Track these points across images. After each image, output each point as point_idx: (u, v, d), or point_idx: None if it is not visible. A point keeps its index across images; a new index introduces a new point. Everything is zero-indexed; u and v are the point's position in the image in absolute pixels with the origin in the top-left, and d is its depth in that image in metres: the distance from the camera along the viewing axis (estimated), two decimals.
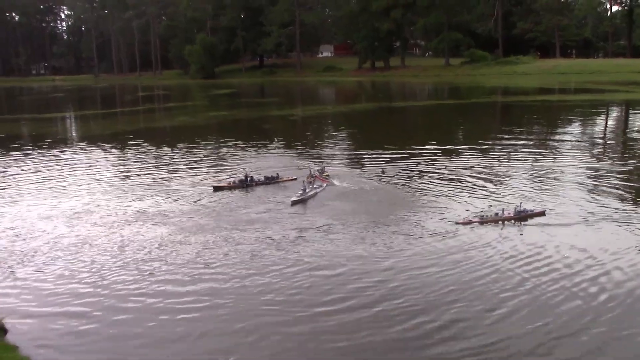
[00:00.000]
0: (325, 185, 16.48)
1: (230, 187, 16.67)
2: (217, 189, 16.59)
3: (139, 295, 9.36)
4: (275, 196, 15.74)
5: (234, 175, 17.86)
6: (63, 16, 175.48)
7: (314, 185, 16.00)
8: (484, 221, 13.18)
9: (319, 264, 10.49)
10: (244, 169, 17.41)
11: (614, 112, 38.38)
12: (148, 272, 10.30)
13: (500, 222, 13.16)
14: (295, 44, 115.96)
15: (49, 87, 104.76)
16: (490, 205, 14.30)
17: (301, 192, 15.21)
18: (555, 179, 17.29)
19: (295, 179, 17.16)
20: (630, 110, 38.51)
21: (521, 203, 13.83)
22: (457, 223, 13.04)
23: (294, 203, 14.71)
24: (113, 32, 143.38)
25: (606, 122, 33.77)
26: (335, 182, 17.10)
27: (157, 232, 12.59)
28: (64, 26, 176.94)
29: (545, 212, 13.78)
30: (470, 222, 13.09)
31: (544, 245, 11.43)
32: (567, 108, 39.76)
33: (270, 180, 17.29)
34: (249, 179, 16.94)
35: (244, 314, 8.64)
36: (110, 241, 12.04)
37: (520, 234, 12.33)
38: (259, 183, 17.03)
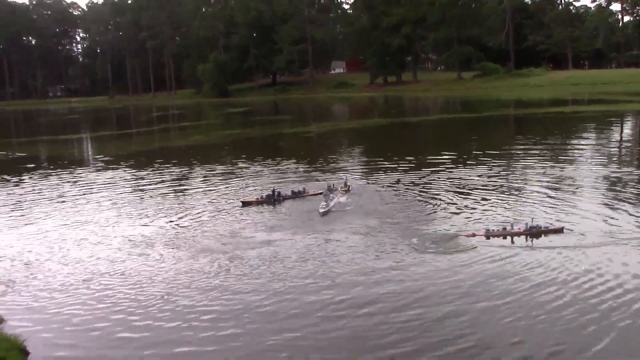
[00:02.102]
0: (342, 198, 16.70)
1: (259, 202, 16.90)
2: (245, 203, 16.84)
3: (174, 303, 9.50)
4: (302, 209, 16.07)
5: (262, 191, 18.09)
6: (78, 39, 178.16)
7: (335, 198, 16.25)
8: (489, 235, 12.42)
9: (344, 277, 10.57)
10: (274, 188, 17.57)
11: (629, 123, 38.20)
12: (185, 284, 10.41)
13: (509, 237, 12.30)
14: (307, 61, 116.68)
15: (65, 109, 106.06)
16: (505, 219, 13.76)
17: (325, 204, 15.50)
18: (572, 193, 16.83)
19: (321, 193, 17.36)
20: None
21: (532, 218, 12.90)
22: (458, 235, 12.54)
23: (322, 214, 15.04)
24: (127, 54, 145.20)
25: (621, 132, 33.66)
26: (352, 194, 17.32)
27: (192, 244, 12.78)
28: (79, 48, 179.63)
29: (564, 229, 12.67)
30: (473, 235, 12.47)
31: (563, 267, 10.50)
32: (581, 119, 39.69)
33: (297, 195, 17.54)
34: (276, 193, 17.16)
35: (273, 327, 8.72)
36: (145, 258, 12.15)
37: (534, 252, 11.47)
38: (286, 197, 17.26)
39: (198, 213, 16.10)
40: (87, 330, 8.94)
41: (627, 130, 34.75)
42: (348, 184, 18.15)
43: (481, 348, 7.91)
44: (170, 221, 15.29)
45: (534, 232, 12.38)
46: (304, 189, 18.10)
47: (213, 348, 8.26)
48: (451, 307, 9.19)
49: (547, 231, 12.50)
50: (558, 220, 13.47)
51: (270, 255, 11.94)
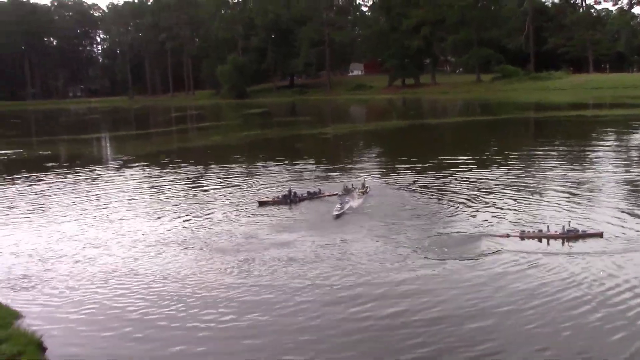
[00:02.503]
0: (360, 200, 16.51)
1: (275, 202, 16.81)
2: (262, 203, 16.78)
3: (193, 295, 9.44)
4: (318, 211, 15.88)
5: (278, 192, 18.04)
6: (99, 40, 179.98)
7: (351, 200, 16.07)
8: (525, 237, 12.09)
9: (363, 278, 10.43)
10: (290, 188, 17.50)
11: None
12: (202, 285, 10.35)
13: (544, 240, 11.87)
14: (324, 63, 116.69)
15: (85, 109, 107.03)
16: (531, 221, 13.49)
17: (339, 206, 15.32)
18: (604, 198, 16.29)
19: (337, 194, 17.26)
20: None
21: (569, 221, 12.39)
22: (493, 235, 12.34)
23: (336, 217, 14.81)
24: (147, 55, 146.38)
25: None
26: (370, 196, 17.15)
27: (208, 244, 12.72)
28: (99, 49, 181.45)
29: (603, 234, 12.06)
30: (507, 236, 12.21)
31: (604, 273, 10.05)
32: (603, 123, 39.15)
33: (313, 196, 17.42)
34: (292, 194, 17.06)
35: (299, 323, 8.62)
36: (160, 257, 12.12)
37: (573, 257, 11.01)
38: (302, 198, 17.14)
39: (214, 213, 16.04)
40: (104, 328, 8.88)
41: None
42: (366, 185, 17.98)
43: (504, 354, 7.72)
44: (187, 221, 15.25)
45: (571, 236, 11.90)
46: (320, 189, 17.97)
47: (229, 349, 8.16)
48: (473, 310, 9.01)
49: (585, 235, 11.99)
50: (593, 224, 13.00)
51: (285, 256, 11.80)
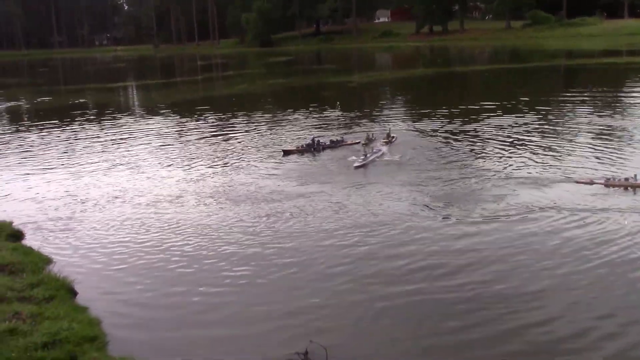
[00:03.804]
0: (384, 150, 16.43)
1: (299, 151, 17.04)
2: (286, 152, 16.98)
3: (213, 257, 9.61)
4: (341, 160, 15.94)
5: (303, 140, 18.20)
6: None
7: (375, 150, 16.03)
8: (609, 184, 11.72)
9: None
10: (313, 137, 17.59)
11: None
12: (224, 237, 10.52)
13: (631, 189, 11.44)
14: (351, 10, 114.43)
15: (111, 58, 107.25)
16: (566, 168, 13.46)
17: (362, 157, 15.34)
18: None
19: (359, 142, 17.37)
20: None
21: (636, 174, 11.96)
22: (577, 182, 12.06)
23: (357, 167, 14.84)
24: (172, 2, 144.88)
25: None
26: (395, 145, 17.07)
27: (235, 193, 12.94)
28: None
29: None
30: (592, 183, 11.93)
31: None
32: (637, 70, 38.00)
33: (335, 144, 17.62)
34: (316, 142, 17.26)
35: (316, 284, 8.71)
36: (184, 208, 12.31)
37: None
38: (325, 147, 17.36)
39: (240, 162, 16.21)
40: (132, 274, 9.13)
41: None
42: (392, 135, 17.91)
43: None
44: (213, 170, 15.44)
45: None
46: (343, 138, 18.17)
47: (245, 300, 8.33)
48: (496, 274, 9.04)
49: None
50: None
51: (306, 208, 11.88)
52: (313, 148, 17.09)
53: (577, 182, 12.13)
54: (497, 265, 8.80)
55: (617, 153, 15.31)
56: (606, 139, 17.07)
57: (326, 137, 18.59)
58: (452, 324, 7.24)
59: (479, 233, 10.07)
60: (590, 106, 23.52)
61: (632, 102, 24.56)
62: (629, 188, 11.62)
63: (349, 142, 17.89)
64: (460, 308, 7.60)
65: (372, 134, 17.83)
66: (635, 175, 11.89)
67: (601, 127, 18.88)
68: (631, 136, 17.34)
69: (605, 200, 11.19)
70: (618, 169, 13.43)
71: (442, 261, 9.01)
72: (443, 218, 10.85)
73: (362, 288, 8.28)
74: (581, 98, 25.71)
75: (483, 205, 11.42)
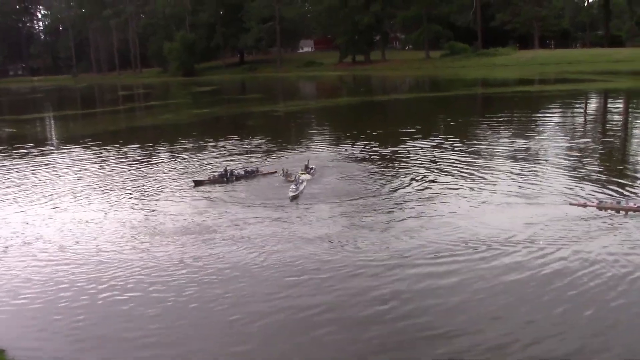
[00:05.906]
0: (308, 178, 16.26)
1: (211, 182, 16.64)
2: (197, 183, 16.56)
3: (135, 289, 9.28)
4: (259, 188, 15.82)
5: (215, 171, 17.86)
6: (39, 16, 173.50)
7: (300, 180, 15.74)
8: (602, 207, 11.86)
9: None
10: (226, 167, 17.32)
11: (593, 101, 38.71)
12: (150, 267, 10.19)
13: (622, 212, 11.58)
14: (275, 40, 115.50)
15: (28, 88, 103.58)
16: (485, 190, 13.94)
17: (295, 187, 14.96)
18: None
19: (275, 172, 17.19)
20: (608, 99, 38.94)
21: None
22: (570, 204, 12.23)
23: (292, 198, 14.42)
24: (91, 32, 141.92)
25: (585, 110, 34.06)
26: (315, 176, 16.90)
27: (147, 229, 12.49)
28: (40, 26, 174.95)
29: None
30: (585, 205, 12.08)
31: None
32: (548, 98, 40.00)
33: (250, 174, 17.27)
34: (228, 173, 16.92)
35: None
36: (95, 241, 11.87)
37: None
38: (239, 176, 17.01)
39: (149, 194, 15.77)
40: (45, 322, 8.69)
41: (591, 107, 35.19)
42: (310, 166, 17.53)
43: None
44: (127, 202, 14.92)
45: None
46: (257, 168, 17.90)
47: (171, 335, 8.06)
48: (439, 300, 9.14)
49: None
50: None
51: (240, 237, 11.73)
52: (226, 178, 16.72)
53: (571, 204, 12.28)
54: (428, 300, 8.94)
55: (533, 172, 16.04)
56: (522, 160, 18.00)
57: (240, 167, 18.32)
58: None
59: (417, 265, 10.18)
60: (508, 131, 24.55)
61: (544, 126, 25.80)
62: (620, 211, 11.78)
63: (265, 172, 17.63)
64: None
65: (286, 169, 17.14)
66: (627, 199, 12.20)
67: (516, 149, 19.90)
68: (546, 159, 18.15)
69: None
70: (538, 186, 14.23)
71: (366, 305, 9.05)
72: (364, 254, 10.59)
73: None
74: (498, 124, 26.76)
75: (411, 233, 11.54)
